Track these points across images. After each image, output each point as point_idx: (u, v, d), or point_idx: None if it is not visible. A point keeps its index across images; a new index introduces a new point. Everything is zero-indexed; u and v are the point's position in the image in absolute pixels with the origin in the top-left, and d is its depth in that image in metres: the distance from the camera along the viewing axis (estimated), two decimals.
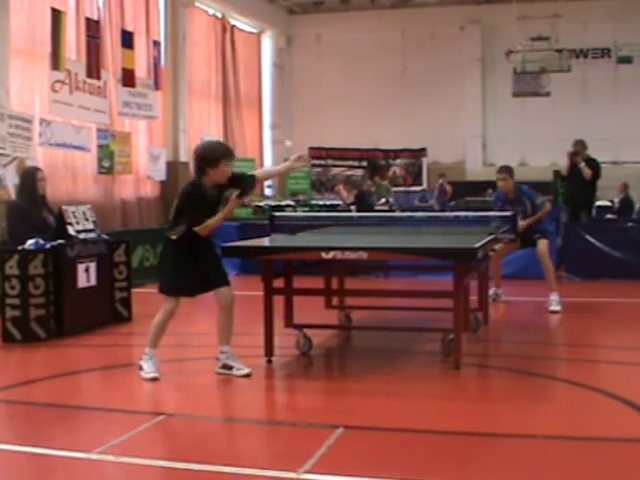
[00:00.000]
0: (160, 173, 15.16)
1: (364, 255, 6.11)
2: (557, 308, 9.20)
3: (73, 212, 8.41)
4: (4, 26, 11.28)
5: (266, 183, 20.66)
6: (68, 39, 12.25)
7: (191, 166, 6.24)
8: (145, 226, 14.35)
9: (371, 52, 20.78)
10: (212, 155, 5.88)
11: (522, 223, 8.92)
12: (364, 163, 21.12)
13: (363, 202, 15.72)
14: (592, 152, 12.53)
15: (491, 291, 9.44)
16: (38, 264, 7.69)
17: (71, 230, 8.24)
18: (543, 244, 9.41)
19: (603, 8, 19.12)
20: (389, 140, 20.49)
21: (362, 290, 8.15)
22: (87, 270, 8.19)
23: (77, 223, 8.39)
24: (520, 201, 9.29)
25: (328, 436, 4.59)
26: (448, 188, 18.57)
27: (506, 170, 9.39)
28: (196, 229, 5.81)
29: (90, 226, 8.60)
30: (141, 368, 6.01)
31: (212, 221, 5.88)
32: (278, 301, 6.74)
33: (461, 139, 20.51)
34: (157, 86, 14.79)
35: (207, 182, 5.87)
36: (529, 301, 10.18)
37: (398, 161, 20.56)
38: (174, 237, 5.93)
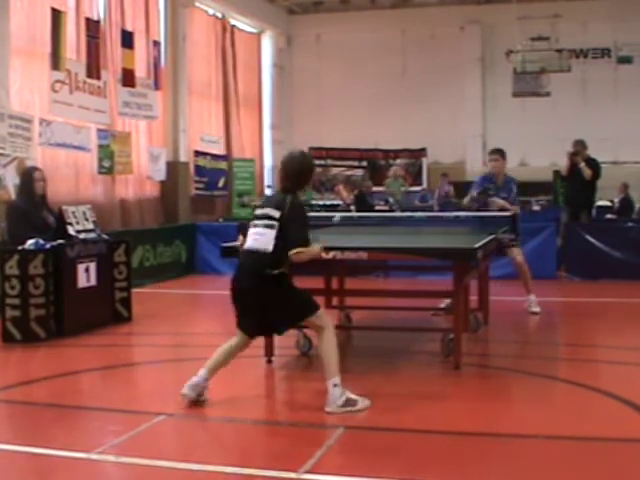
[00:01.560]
0: (160, 173, 15.16)
1: (364, 255, 6.12)
2: (537, 309, 9.19)
3: (73, 212, 8.41)
4: (4, 26, 11.27)
5: (266, 183, 20.71)
6: (68, 39, 12.22)
7: (278, 181, 5.42)
8: (145, 226, 14.35)
9: (371, 52, 20.76)
10: (312, 167, 5.54)
11: (497, 200, 8.89)
12: (364, 163, 21.11)
13: (363, 202, 15.72)
14: (592, 152, 12.53)
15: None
16: (38, 264, 7.69)
17: (71, 230, 8.25)
18: (519, 253, 9.18)
19: (603, 8, 19.11)
20: (389, 140, 20.48)
21: (362, 290, 8.16)
22: (87, 270, 8.19)
23: (77, 223, 8.39)
24: (507, 187, 9.16)
25: (328, 436, 4.59)
26: (449, 189, 18.43)
27: (499, 152, 9.34)
28: (304, 251, 5.14)
29: (90, 226, 8.61)
30: (351, 403, 5.13)
31: (311, 249, 5.26)
32: None
33: (461, 139, 20.49)
34: (157, 86, 14.78)
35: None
36: (528, 301, 10.17)
37: (398, 161, 20.54)
38: (278, 271, 5.19)
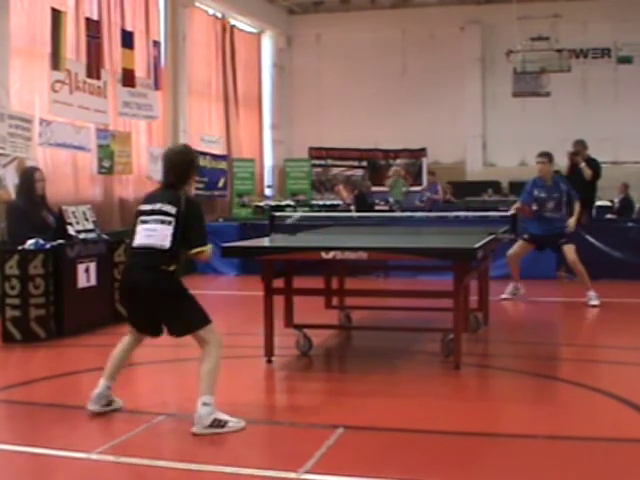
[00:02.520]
0: (160, 173, 15.15)
1: (364, 255, 6.11)
2: (596, 302, 9.46)
3: (73, 212, 8.41)
4: (4, 26, 11.28)
5: (266, 183, 20.72)
6: (68, 39, 12.23)
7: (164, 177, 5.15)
8: None
9: (371, 52, 20.77)
10: (195, 158, 5.30)
11: (572, 221, 9.47)
12: (364, 163, 21.11)
13: (362, 203, 15.71)
14: (592, 152, 12.52)
15: (510, 286, 9.95)
16: (38, 264, 7.69)
17: (71, 230, 8.24)
18: (570, 251, 9.62)
19: (603, 8, 19.12)
20: (389, 140, 20.48)
21: (362, 290, 8.15)
22: (87, 270, 8.19)
23: (77, 223, 8.39)
24: (557, 187, 9.56)
25: (328, 436, 4.59)
26: (440, 189, 17.26)
27: (546, 155, 9.67)
28: (206, 250, 4.98)
29: (90, 226, 8.60)
30: (220, 424, 4.77)
31: (210, 249, 5.11)
32: (278, 301, 6.74)
33: (461, 139, 20.50)
34: (157, 86, 14.78)
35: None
36: (529, 301, 10.18)
37: (398, 161, 20.54)
38: (174, 267, 4.96)
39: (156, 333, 5.13)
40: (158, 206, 4.94)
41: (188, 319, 4.97)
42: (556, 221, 9.59)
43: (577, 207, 9.71)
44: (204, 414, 4.71)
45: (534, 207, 9.54)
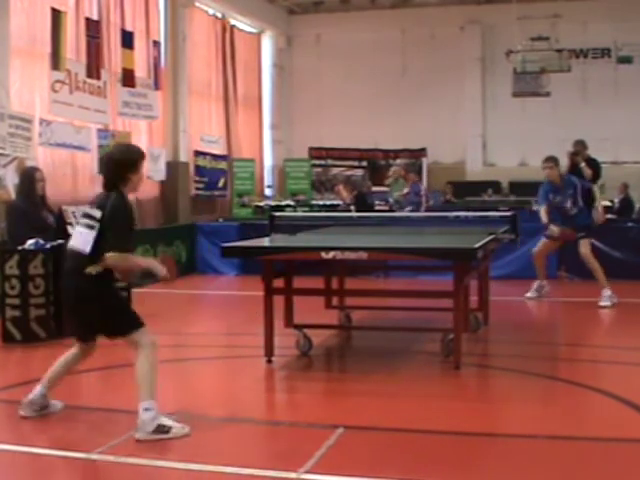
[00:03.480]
0: (160, 173, 15.16)
1: (364, 255, 6.11)
2: (607, 303, 9.52)
3: (73, 212, 8.41)
4: (4, 26, 11.27)
5: (266, 183, 20.71)
6: (68, 39, 12.23)
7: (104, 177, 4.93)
8: (145, 226, 14.35)
9: (371, 52, 20.76)
10: (132, 157, 4.95)
11: (598, 215, 9.70)
12: (364, 163, 21.11)
13: (362, 203, 15.70)
14: (592, 152, 12.50)
15: (536, 284, 10.06)
16: (38, 264, 7.69)
17: (71, 230, 8.24)
18: (585, 246, 9.71)
19: (603, 8, 19.11)
20: (389, 140, 20.48)
21: (362, 290, 8.15)
22: None
23: (77, 223, 8.39)
24: (569, 184, 9.71)
25: (328, 436, 4.59)
26: (424, 191, 15.84)
27: (551, 159, 9.94)
28: (118, 257, 4.70)
29: None
30: (164, 429, 4.67)
31: (141, 259, 5.17)
32: (278, 301, 6.74)
33: (461, 139, 20.50)
34: (157, 86, 14.78)
35: (128, 193, 4.96)
36: (528, 301, 10.18)
37: (398, 161, 20.53)
38: (95, 271, 4.76)
39: (90, 338, 5.08)
40: (89, 210, 4.87)
41: (116, 323, 4.87)
42: (576, 217, 9.73)
43: (597, 195, 9.88)
44: (147, 420, 4.60)
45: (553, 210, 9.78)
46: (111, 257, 4.70)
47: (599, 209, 9.81)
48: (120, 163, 4.86)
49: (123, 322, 4.88)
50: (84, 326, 5.02)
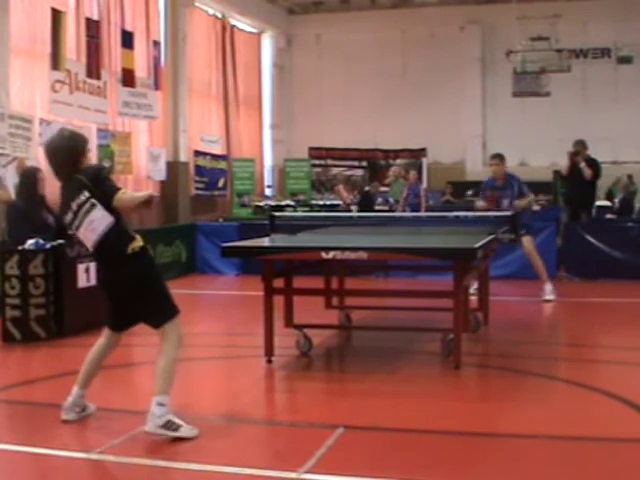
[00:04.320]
0: (160, 173, 15.17)
1: (364, 255, 6.11)
2: (551, 297, 9.81)
3: None
4: (4, 26, 11.28)
5: (266, 183, 20.71)
6: (68, 39, 12.24)
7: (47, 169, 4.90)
8: (145, 226, 14.35)
9: (371, 52, 20.77)
10: (82, 143, 4.93)
11: (519, 202, 9.68)
12: (364, 163, 21.13)
13: (367, 202, 15.65)
14: (592, 152, 12.52)
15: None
16: (38, 264, 7.69)
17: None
18: (527, 241, 9.87)
19: (603, 8, 19.12)
20: (389, 140, 20.49)
21: (362, 290, 8.15)
22: (87, 270, 8.19)
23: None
24: (509, 184, 9.91)
25: (328, 436, 4.59)
26: (423, 191, 15.51)
27: (498, 156, 10.18)
28: (123, 194, 4.68)
29: None
30: (172, 426, 4.57)
31: (135, 194, 4.96)
32: (278, 301, 6.74)
33: (461, 139, 20.51)
34: (157, 86, 14.79)
35: None
36: (529, 301, 10.18)
37: (398, 161, 20.55)
38: (138, 246, 4.73)
39: (126, 327, 4.99)
40: (75, 203, 4.68)
41: (161, 307, 4.76)
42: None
43: (527, 199, 9.98)
44: (158, 414, 4.55)
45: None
46: (119, 199, 4.63)
47: (520, 202, 9.78)
48: (73, 150, 4.80)
49: (166, 307, 4.76)
50: (128, 313, 4.81)
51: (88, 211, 4.66)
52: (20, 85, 11.96)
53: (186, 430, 4.59)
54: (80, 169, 4.77)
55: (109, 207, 4.64)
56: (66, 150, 4.78)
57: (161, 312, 4.74)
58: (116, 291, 4.80)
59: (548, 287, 9.91)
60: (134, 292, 4.71)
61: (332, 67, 20.97)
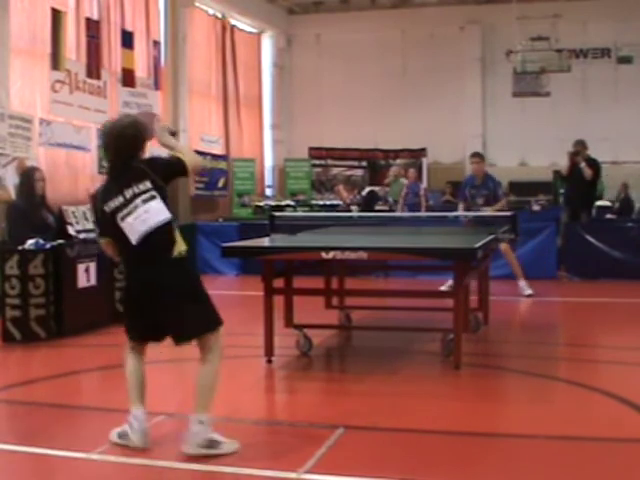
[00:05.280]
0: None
1: (364, 255, 6.11)
2: (530, 292, 10.23)
3: (73, 212, 8.42)
4: (4, 26, 11.28)
5: (266, 183, 20.71)
6: (68, 39, 12.24)
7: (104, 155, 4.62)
8: None
9: (371, 52, 20.76)
10: (144, 132, 4.59)
11: (489, 208, 9.99)
12: (364, 163, 21.11)
13: (371, 203, 15.60)
14: (592, 152, 12.52)
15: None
16: (38, 264, 7.69)
17: (71, 230, 8.26)
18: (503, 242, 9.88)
19: (603, 8, 19.10)
20: (389, 140, 20.47)
21: (362, 290, 8.15)
22: (87, 270, 8.19)
23: (77, 223, 8.40)
24: (486, 185, 10.27)
25: (328, 436, 4.59)
26: (423, 190, 15.15)
27: (478, 155, 10.73)
28: (190, 157, 4.59)
29: (90, 226, 8.62)
30: (215, 445, 4.32)
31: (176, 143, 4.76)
32: (278, 301, 6.74)
33: (461, 139, 20.48)
34: (157, 86, 14.79)
35: None
36: (528, 301, 10.19)
37: (398, 161, 20.53)
38: (185, 250, 4.43)
39: (161, 338, 4.60)
40: (130, 192, 4.33)
41: (204, 318, 4.50)
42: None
43: (500, 204, 10.19)
44: (200, 433, 4.28)
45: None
46: (191, 166, 4.51)
47: (490, 208, 10.06)
48: (136, 140, 4.49)
49: (213, 316, 4.46)
50: (163, 322, 4.42)
51: (146, 201, 4.31)
52: (20, 85, 11.96)
53: (228, 447, 4.31)
54: (140, 158, 4.49)
55: (165, 198, 4.37)
56: (131, 137, 4.44)
57: (207, 321, 4.45)
58: (156, 296, 4.34)
59: (522, 282, 10.32)
60: (181, 298, 4.32)
61: (332, 67, 20.96)
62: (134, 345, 4.57)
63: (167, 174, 4.50)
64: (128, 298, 4.56)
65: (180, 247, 4.38)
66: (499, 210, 9.82)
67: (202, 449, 4.26)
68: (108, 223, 4.39)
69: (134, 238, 4.32)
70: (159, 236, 4.32)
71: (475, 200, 10.21)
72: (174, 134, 4.86)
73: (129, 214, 4.32)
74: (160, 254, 4.32)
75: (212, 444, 4.28)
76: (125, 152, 4.42)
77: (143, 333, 4.52)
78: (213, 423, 4.36)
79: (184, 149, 4.72)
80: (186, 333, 4.44)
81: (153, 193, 4.34)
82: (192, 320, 4.38)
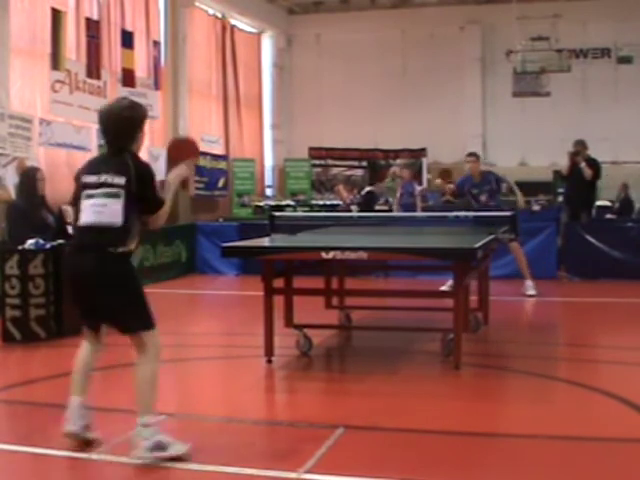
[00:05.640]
0: (160, 173, 15.13)
1: (364, 255, 6.11)
2: (533, 292, 10.29)
3: None
4: (4, 26, 11.28)
5: (266, 183, 20.71)
6: (68, 39, 12.24)
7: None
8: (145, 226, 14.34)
9: (371, 52, 20.76)
10: (143, 113, 4.51)
11: (519, 199, 10.37)
12: (364, 163, 21.11)
13: (370, 202, 15.57)
14: (592, 152, 12.53)
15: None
16: (38, 264, 7.69)
17: (71, 230, 8.24)
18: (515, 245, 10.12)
19: (603, 8, 19.10)
20: (389, 140, 20.47)
21: (362, 290, 8.16)
22: None
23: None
24: (487, 180, 10.38)
25: (328, 436, 4.59)
26: (418, 190, 14.86)
27: (474, 154, 10.88)
28: (162, 213, 4.52)
29: None
30: (163, 447, 4.25)
31: (170, 190, 4.64)
32: (278, 301, 6.74)
33: (461, 139, 20.47)
34: (157, 86, 14.79)
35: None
36: (529, 301, 10.19)
37: (398, 161, 20.52)
38: (129, 249, 4.36)
39: (99, 326, 4.50)
40: (105, 177, 4.30)
41: (134, 314, 4.35)
42: (492, 210, 9.85)
43: (514, 189, 10.57)
44: (145, 436, 4.20)
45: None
46: (159, 216, 4.48)
47: (519, 198, 10.59)
48: (132, 121, 4.40)
49: (142, 316, 4.36)
50: (95, 313, 4.42)
51: (109, 195, 4.29)
52: (20, 85, 11.96)
53: (176, 448, 4.24)
54: (133, 147, 4.43)
55: (130, 205, 4.31)
56: (126, 120, 4.37)
57: (141, 318, 4.36)
58: (87, 282, 4.32)
59: (529, 283, 10.37)
60: (115, 289, 4.27)
61: (332, 67, 20.96)
62: (85, 330, 4.55)
63: (143, 191, 4.42)
64: (66, 275, 4.61)
65: (128, 247, 4.33)
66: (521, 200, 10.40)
67: (151, 452, 4.19)
68: (77, 193, 4.44)
69: (83, 220, 4.36)
70: (104, 231, 4.29)
71: (479, 198, 10.26)
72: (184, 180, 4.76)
73: (92, 196, 4.33)
74: (100, 244, 4.28)
75: (160, 445, 4.21)
76: (120, 136, 4.38)
77: (81, 315, 4.52)
78: (159, 423, 4.29)
79: (169, 201, 4.64)
80: (118, 326, 4.40)
81: (120, 192, 4.30)
82: (123, 315, 4.34)
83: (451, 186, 11.51)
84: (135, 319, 4.35)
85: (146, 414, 4.24)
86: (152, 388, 4.35)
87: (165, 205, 4.52)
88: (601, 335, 8.41)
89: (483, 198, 10.23)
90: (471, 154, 10.89)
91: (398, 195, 14.68)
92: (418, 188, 15.20)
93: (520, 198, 10.71)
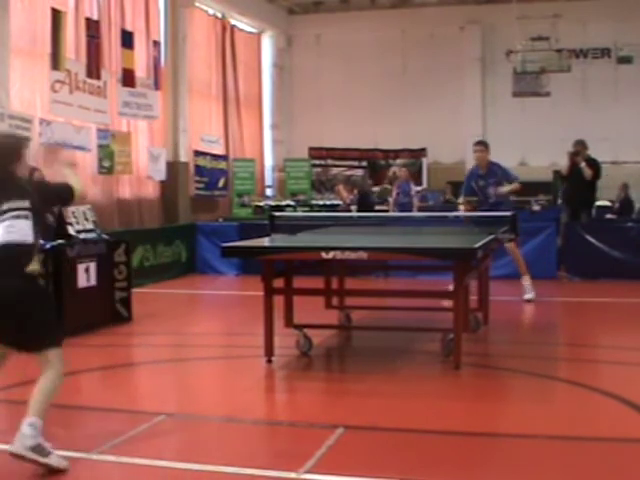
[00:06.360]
0: (160, 173, 15.16)
1: (364, 255, 6.11)
2: (530, 296, 10.00)
3: (73, 212, 8.41)
4: (4, 26, 11.27)
5: (266, 183, 20.71)
6: (68, 39, 12.24)
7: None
8: (145, 226, 14.36)
9: (371, 52, 20.76)
10: (19, 142, 4.80)
11: (504, 188, 9.90)
12: (364, 163, 21.11)
13: (364, 202, 15.60)
14: (592, 152, 12.53)
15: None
16: None
17: (71, 230, 8.25)
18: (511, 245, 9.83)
19: (603, 8, 19.10)
20: (389, 140, 20.48)
21: (362, 290, 8.15)
22: (87, 270, 8.19)
23: (77, 223, 8.39)
24: (493, 172, 10.04)
25: (328, 436, 4.59)
26: (414, 190, 14.91)
27: (482, 143, 10.42)
28: (79, 189, 4.69)
29: (90, 226, 8.61)
30: (43, 452, 4.25)
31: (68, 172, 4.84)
32: (278, 301, 6.74)
33: (461, 139, 20.46)
34: (157, 86, 14.78)
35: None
36: (530, 301, 10.18)
37: (398, 161, 20.53)
38: (36, 269, 4.45)
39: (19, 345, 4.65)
40: (9, 205, 4.42)
41: (46, 331, 4.51)
42: (499, 205, 9.72)
43: (515, 185, 10.09)
44: (28, 435, 4.24)
45: (474, 198, 10.16)
46: (78, 195, 4.70)
47: (505, 188, 10.04)
48: (12, 150, 4.59)
49: (52, 331, 4.51)
50: (5, 330, 4.55)
51: (17, 217, 4.43)
52: (20, 85, 11.95)
53: (56, 459, 4.24)
54: (18, 173, 4.57)
55: (38, 222, 4.48)
56: (6, 149, 4.58)
57: (46, 338, 4.47)
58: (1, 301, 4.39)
59: (527, 284, 10.13)
60: (24, 307, 4.40)
61: (332, 67, 20.96)
62: None
63: (51, 198, 4.75)
64: None
65: (33, 267, 4.42)
66: (514, 191, 10.07)
67: (29, 452, 4.23)
68: None
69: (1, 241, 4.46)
70: (17, 251, 4.40)
71: (487, 191, 9.97)
72: (73, 165, 5.09)
73: (3, 221, 4.45)
74: (13, 265, 4.39)
75: (40, 450, 4.24)
76: (5, 163, 4.53)
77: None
78: (42, 430, 4.29)
79: (76, 179, 4.81)
80: (24, 345, 4.56)
81: (27, 213, 4.45)
82: (31, 334, 4.48)
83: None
84: (50, 334, 4.51)
85: (36, 416, 4.32)
86: (48, 399, 4.43)
87: (75, 185, 4.70)
88: (601, 335, 8.41)
89: (491, 191, 9.94)
90: (479, 142, 10.53)
91: (394, 195, 14.69)
92: (414, 188, 15.27)
93: (514, 186, 10.22)
